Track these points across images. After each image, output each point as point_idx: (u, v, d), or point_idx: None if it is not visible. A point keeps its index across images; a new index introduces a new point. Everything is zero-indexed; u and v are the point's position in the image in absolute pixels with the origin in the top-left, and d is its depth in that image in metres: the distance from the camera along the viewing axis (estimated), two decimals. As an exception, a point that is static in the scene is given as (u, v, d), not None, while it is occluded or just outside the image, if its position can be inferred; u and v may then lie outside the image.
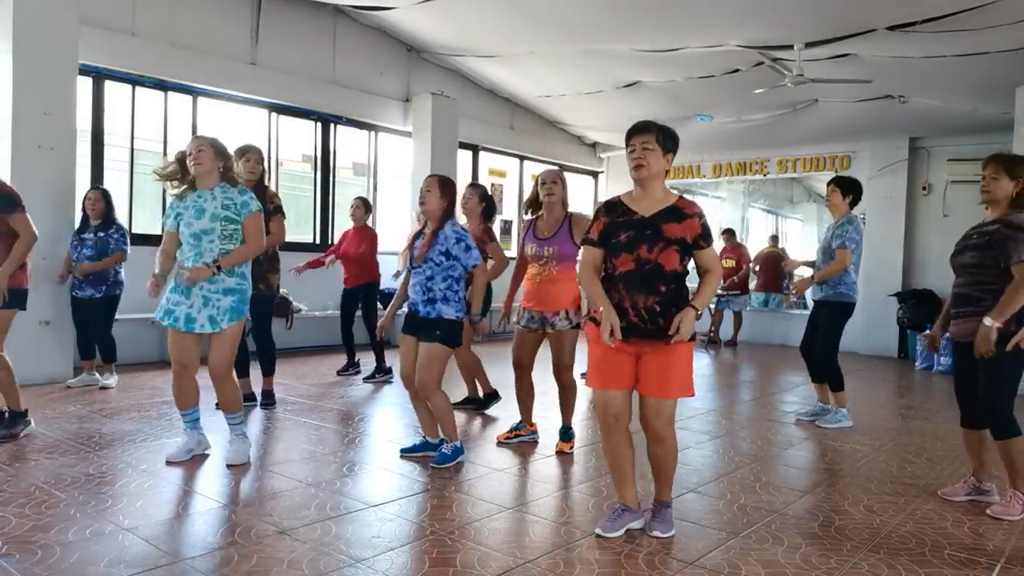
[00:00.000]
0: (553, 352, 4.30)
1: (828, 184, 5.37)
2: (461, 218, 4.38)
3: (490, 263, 5.04)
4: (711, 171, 11.68)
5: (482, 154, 10.84)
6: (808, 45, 6.89)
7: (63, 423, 4.60)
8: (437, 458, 3.95)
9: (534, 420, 4.59)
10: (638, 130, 2.93)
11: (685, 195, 3.09)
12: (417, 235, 4.04)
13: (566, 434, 4.38)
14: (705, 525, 3.16)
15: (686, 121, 10.10)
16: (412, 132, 9.58)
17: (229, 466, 3.79)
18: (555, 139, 11.83)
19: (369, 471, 3.88)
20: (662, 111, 9.72)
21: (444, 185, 3.99)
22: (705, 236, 2.93)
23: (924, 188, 10.02)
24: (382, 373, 6.60)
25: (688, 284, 2.97)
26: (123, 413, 4.96)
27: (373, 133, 9.47)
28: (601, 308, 2.87)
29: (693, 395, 2.98)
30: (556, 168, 4.52)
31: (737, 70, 7.91)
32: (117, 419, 4.78)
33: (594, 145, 12.64)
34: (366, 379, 6.59)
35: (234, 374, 3.92)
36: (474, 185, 5.58)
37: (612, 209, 3.00)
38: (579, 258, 2.92)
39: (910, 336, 9.47)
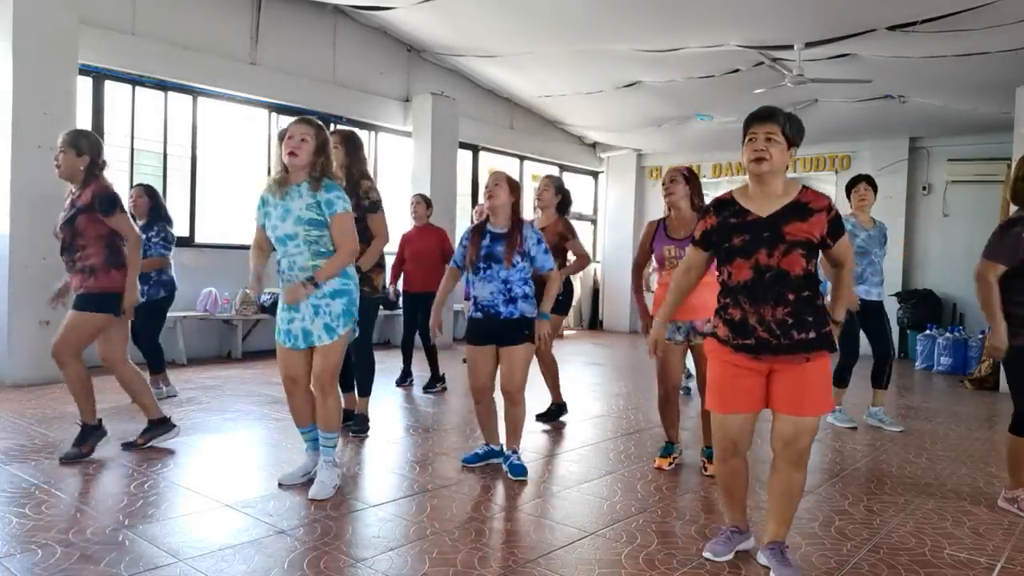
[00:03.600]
0: (698, 364, 3.87)
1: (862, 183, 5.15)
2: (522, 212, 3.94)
3: (571, 258, 4.94)
4: (711, 171, 11.67)
5: (482, 154, 10.84)
6: (808, 45, 6.90)
7: (63, 423, 4.60)
8: (516, 468, 3.76)
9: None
10: (762, 117, 2.54)
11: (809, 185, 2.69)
12: (482, 233, 3.81)
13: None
14: (705, 525, 3.16)
15: (686, 121, 10.11)
16: (412, 132, 9.59)
17: (312, 500, 3.31)
18: (555, 139, 11.84)
19: (369, 471, 3.89)
20: (662, 111, 9.75)
21: (512, 181, 3.83)
22: (834, 232, 2.54)
23: (924, 188, 10.04)
24: (441, 382, 6.32)
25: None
26: (123, 413, 4.95)
27: (373, 133, 9.46)
28: (656, 320, 2.86)
29: (832, 410, 2.79)
30: (681, 167, 4.03)
31: (737, 70, 7.92)
32: (117, 419, 4.78)
33: (594, 145, 12.64)
34: (426, 389, 6.23)
35: (338, 387, 3.56)
36: (550, 177, 5.19)
37: (722, 207, 2.63)
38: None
39: (910, 336, 9.46)
